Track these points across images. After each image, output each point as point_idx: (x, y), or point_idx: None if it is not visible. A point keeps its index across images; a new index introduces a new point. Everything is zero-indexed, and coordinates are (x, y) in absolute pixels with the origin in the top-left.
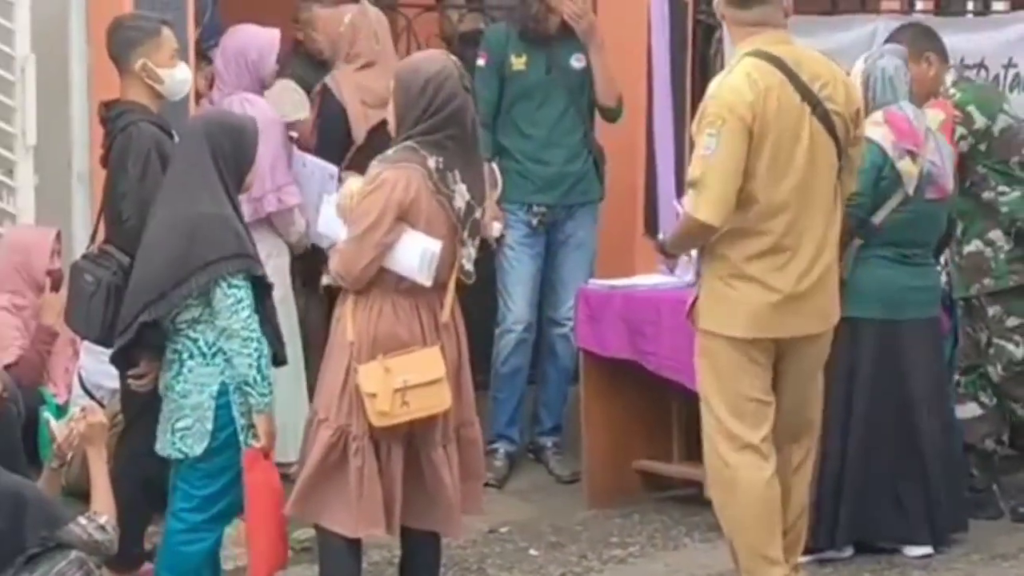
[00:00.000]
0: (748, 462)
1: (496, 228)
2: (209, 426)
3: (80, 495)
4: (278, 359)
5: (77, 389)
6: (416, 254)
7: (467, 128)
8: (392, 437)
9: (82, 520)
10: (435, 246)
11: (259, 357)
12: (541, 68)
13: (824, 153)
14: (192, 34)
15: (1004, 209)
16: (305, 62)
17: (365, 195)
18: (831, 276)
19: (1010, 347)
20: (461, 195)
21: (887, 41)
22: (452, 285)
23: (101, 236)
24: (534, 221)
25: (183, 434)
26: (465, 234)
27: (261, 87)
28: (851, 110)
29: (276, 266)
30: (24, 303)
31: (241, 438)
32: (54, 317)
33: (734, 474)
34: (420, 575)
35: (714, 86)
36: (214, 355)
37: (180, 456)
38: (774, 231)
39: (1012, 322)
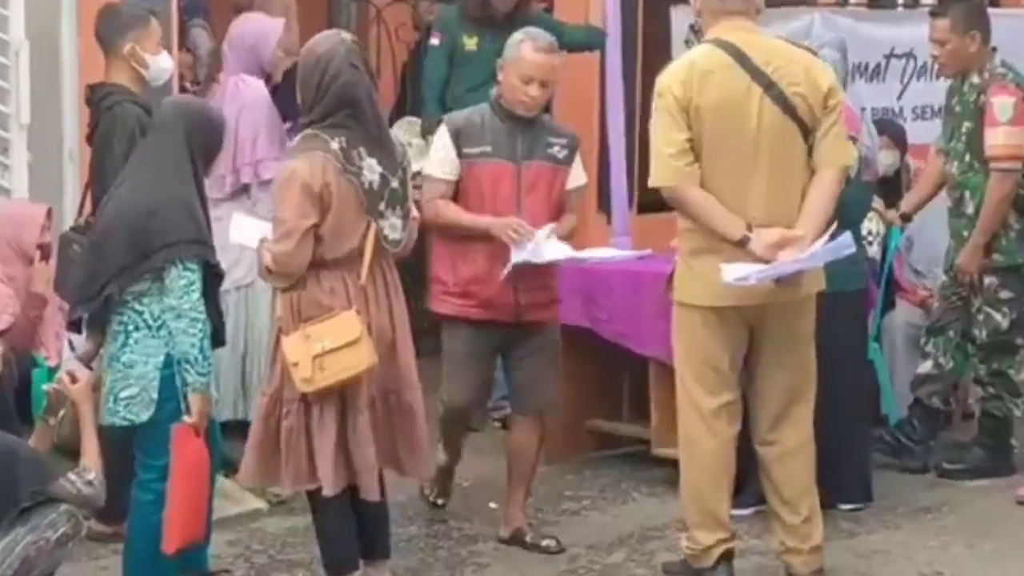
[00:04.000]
0: (704, 426)
1: None
2: (155, 395)
3: (69, 452)
4: (216, 340)
5: (67, 352)
6: (255, 237)
7: (361, 105)
8: (323, 399)
9: (71, 476)
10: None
11: (202, 338)
12: (491, 50)
13: (778, 131)
14: (176, 25)
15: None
16: None
17: (278, 195)
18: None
19: (997, 316)
20: (371, 169)
21: (938, 11)
22: (368, 252)
23: (87, 210)
24: None
25: (128, 402)
26: (382, 205)
27: (261, 71)
28: (818, 88)
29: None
30: (14, 273)
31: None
32: (43, 286)
33: (691, 436)
34: (368, 533)
35: (662, 72)
36: (159, 328)
37: (125, 423)
38: (722, 204)
39: (1005, 295)
